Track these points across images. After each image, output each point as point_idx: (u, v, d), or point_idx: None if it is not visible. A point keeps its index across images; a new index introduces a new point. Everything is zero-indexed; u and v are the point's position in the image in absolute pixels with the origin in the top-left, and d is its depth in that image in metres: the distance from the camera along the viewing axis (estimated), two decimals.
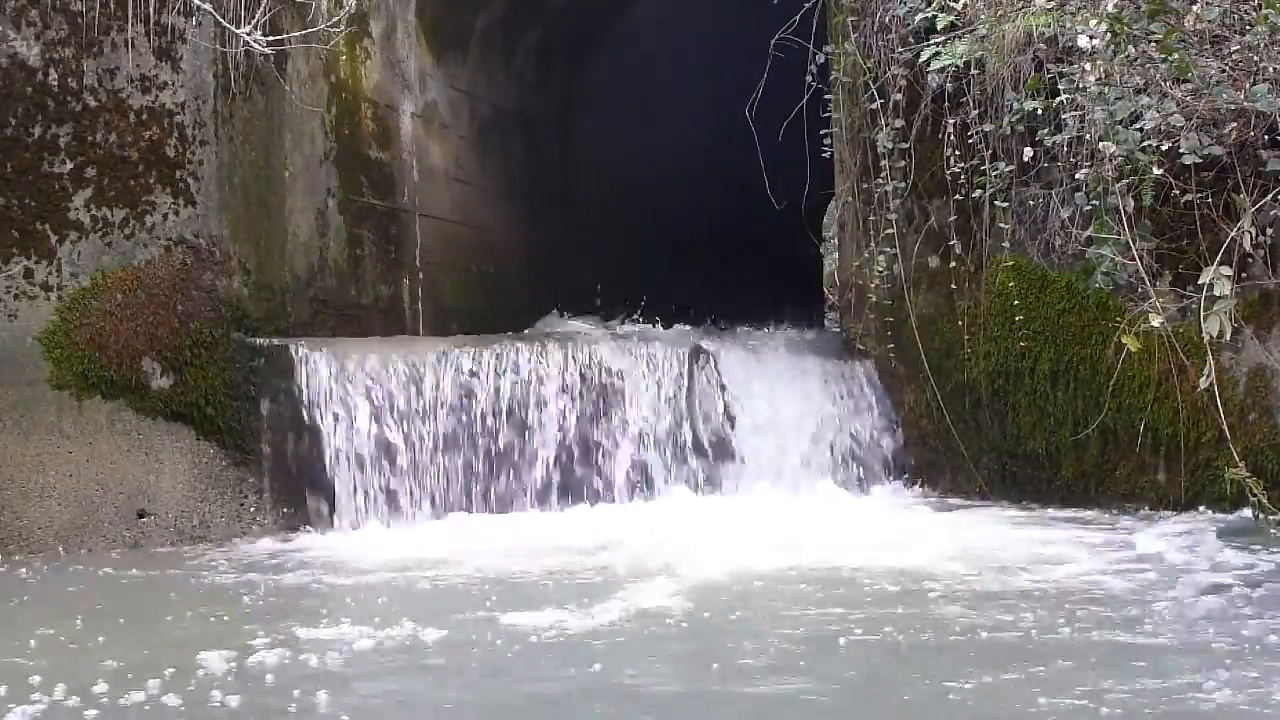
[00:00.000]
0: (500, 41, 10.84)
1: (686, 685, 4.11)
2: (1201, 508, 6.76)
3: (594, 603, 5.06)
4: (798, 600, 5.15)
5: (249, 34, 6.94)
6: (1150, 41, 6.37)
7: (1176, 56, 6.30)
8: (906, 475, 7.89)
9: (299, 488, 7.15)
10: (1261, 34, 6.19)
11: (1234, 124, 6.41)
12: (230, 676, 4.21)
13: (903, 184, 7.77)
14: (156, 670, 4.21)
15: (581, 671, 4.19)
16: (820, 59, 8.16)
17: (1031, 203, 7.38)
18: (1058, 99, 6.99)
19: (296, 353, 7.21)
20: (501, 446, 7.47)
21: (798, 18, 8.04)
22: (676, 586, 5.39)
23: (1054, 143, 7.03)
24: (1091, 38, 6.41)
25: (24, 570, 6.28)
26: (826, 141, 8.20)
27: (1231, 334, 6.14)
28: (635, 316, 9.45)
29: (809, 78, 8.20)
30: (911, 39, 7.71)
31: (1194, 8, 6.28)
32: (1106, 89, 6.56)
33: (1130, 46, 6.40)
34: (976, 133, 7.41)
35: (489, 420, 7.47)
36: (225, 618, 5.11)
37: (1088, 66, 6.54)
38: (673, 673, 4.21)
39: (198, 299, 7.07)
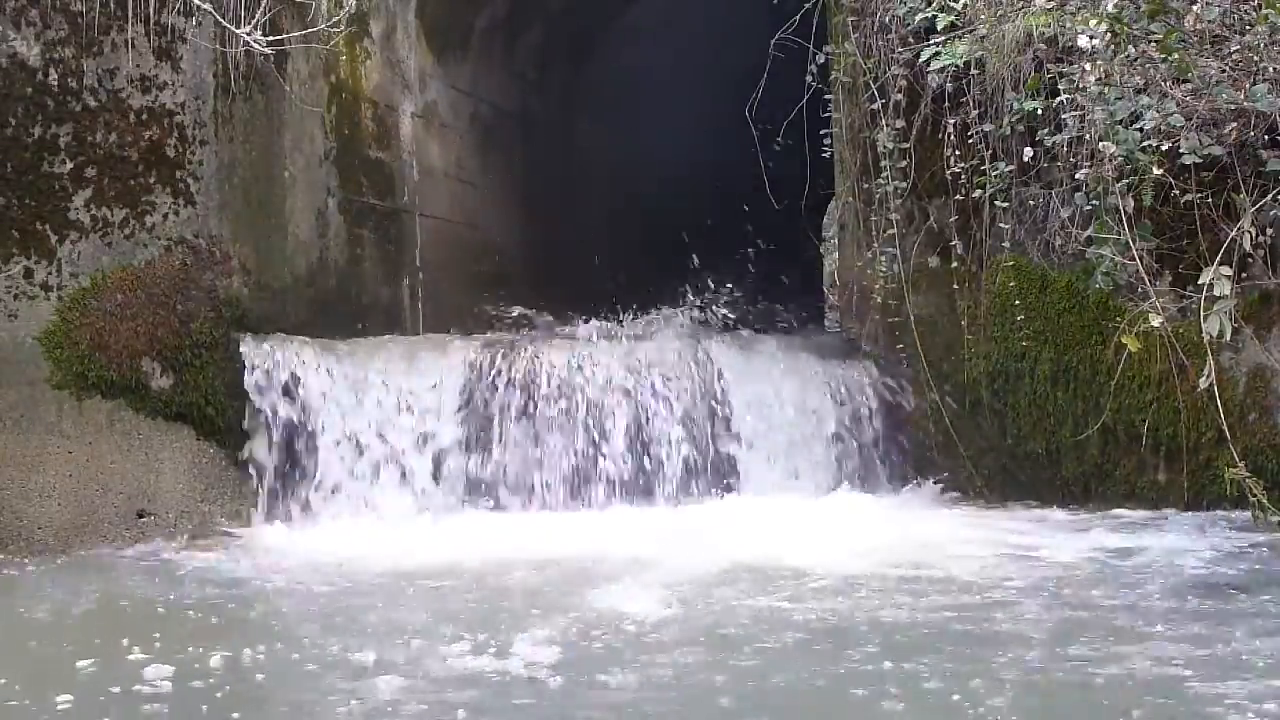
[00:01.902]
0: (500, 41, 10.84)
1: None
2: (1201, 507, 6.76)
3: (579, 622, 4.85)
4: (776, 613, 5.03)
5: (249, 34, 6.95)
6: (1150, 41, 6.37)
7: (1176, 56, 6.30)
8: (906, 476, 7.87)
9: (294, 488, 7.14)
10: (1261, 34, 6.20)
11: (1234, 124, 6.41)
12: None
13: (903, 184, 7.77)
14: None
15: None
16: (820, 59, 8.16)
17: (1031, 203, 7.38)
18: (1058, 99, 6.99)
19: (287, 352, 7.21)
20: (495, 448, 7.44)
21: (798, 18, 8.05)
22: (660, 603, 5.25)
23: (1054, 143, 7.03)
24: (1091, 38, 6.41)
25: None
26: (826, 141, 8.20)
27: (1231, 334, 6.14)
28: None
29: (809, 78, 8.20)
30: (911, 39, 7.71)
31: (1194, 8, 6.28)
32: (1106, 89, 6.56)
33: (1130, 46, 6.41)
34: (976, 133, 7.41)
35: (484, 422, 7.45)
36: (158, 635, 4.79)
37: (1088, 66, 6.55)
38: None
39: (198, 299, 7.07)
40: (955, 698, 3.82)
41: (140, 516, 6.87)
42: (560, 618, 4.90)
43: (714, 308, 10.52)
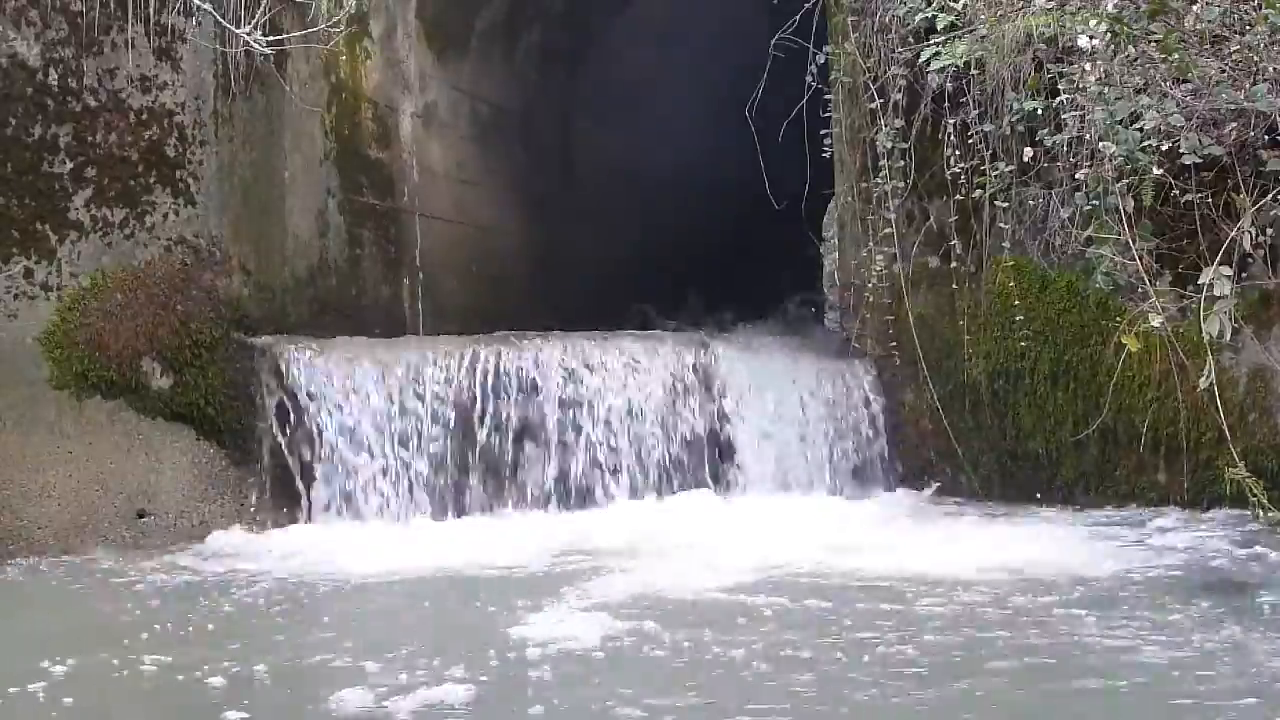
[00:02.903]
0: (500, 41, 10.84)
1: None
2: (1201, 508, 6.76)
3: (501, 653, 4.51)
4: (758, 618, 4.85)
5: (249, 34, 6.95)
6: (1150, 41, 6.37)
7: (1176, 56, 6.30)
8: (906, 476, 7.87)
9: (293, 488, 7.13)
10: (1261, 34, 6.20)
11: (1234, 124, 6.41)
12: None
13: (902, 184, 7.77)
14: None
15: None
16: (820, 59, 8.15)
17: (1031, 203, 7.38)
18: (1058, 99, 6.99)
19: (288, 353, 7.20)
20: (494, 449, 7.42)
21: (798, 18, 8.04)
22: (650, 603, 5.15)
23: (1054, 143, 7.03)
24: (1091, 38, 6.41)
25: None
26: (826, 141, 8.20)
27: (1231, 334, 6.14)
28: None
29: (809, 78, 8.20)
30: (911, 39, 7.72)
31: (1194, 8, 6.29)
32: (1106, 89, 6.56)
33: (1130, 46, 6.41)
34: (976, 133, 7.41)
35: (484, 422, 7.43)
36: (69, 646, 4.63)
37: (1088, 66, 6.55)
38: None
39: (198, 299, 7.07)
40: None
41: (140, 516, 6.86)
42: (483, 648, 4.42)
43: (712, 306, 10.50)
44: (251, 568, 6.16)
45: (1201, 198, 6.58)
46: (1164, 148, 6.42)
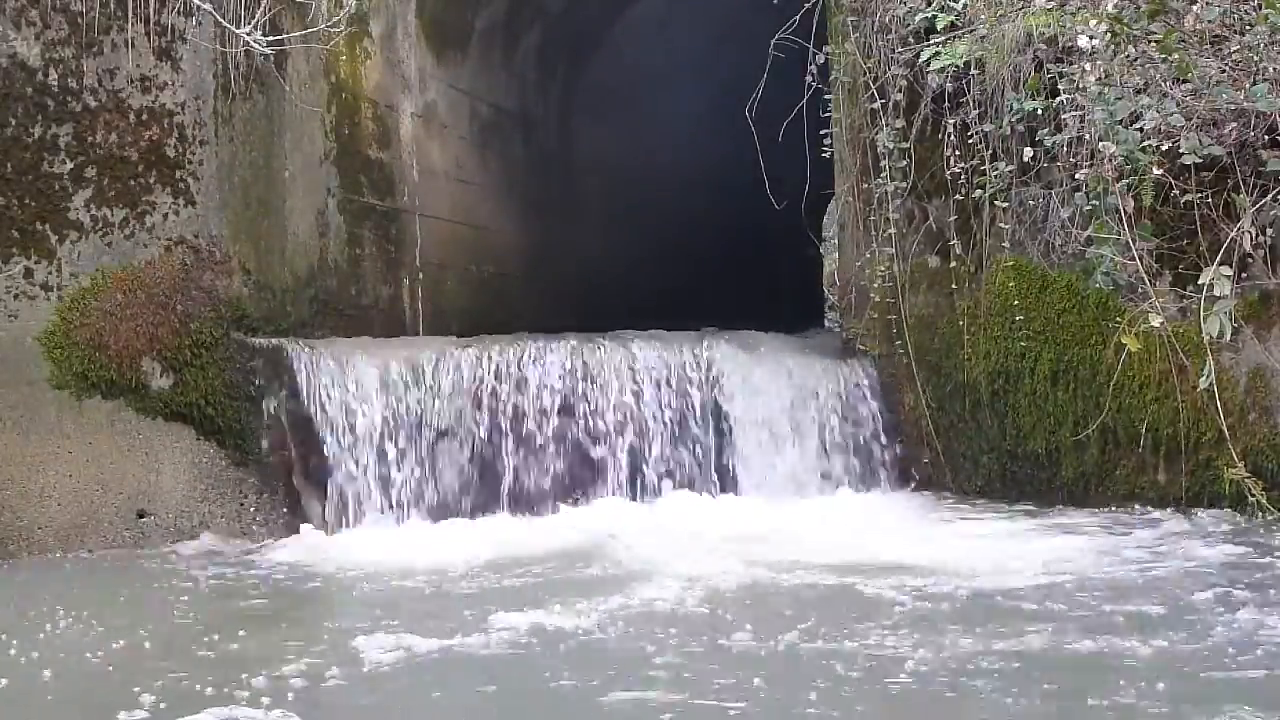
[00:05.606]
0: (500, 41, 10.84)
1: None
2: (1201, 507, 6.76)
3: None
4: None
5: (249, 34, 6.94)
6: (1150, 41, 6.38)
7: (1176, 56, 6.31)
8: (906, 476, 7.87)
9: (295, 489, 7.13)
10: (1261, 34, 6.20)
11: (1234, 124, 6.41)
12: None
13: (902, 184, 7.77)
14: None
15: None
16: (820, 59, 8.16)
17: (1031, 203, 7.38)
18: (1058, 99, 6.99)
19: (293, 353, 7.20)
20: (498, 449, 7.41)
21: (798, 18, 8.05)
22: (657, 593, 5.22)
23: (1054, 143, 7.04)
24: (1091, 38, 6.42)
25: None
26: (826, 141, 8.20)
27: (1231, 334, 6.14)
28: None
29: (809, 78, 8.20)
30: (911, 39, 7.72)
31: (1194, 8, 6.29)
32: (1106, 89, 6.57)
33: (1130, 46, 6.41)
34: (976, 133, 7.41)
35: (487, 422, 7.42)
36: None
37: (1088, 66, 6.55)
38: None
39: (198, 299, 7.07)
40: None
41: (140, 516, 6.87)
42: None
43: (712, 305, 10.49)
44: (252, 566, 6.16)
45: (1201, 198, 6.58)
46: (1164, 148, 6.42)
